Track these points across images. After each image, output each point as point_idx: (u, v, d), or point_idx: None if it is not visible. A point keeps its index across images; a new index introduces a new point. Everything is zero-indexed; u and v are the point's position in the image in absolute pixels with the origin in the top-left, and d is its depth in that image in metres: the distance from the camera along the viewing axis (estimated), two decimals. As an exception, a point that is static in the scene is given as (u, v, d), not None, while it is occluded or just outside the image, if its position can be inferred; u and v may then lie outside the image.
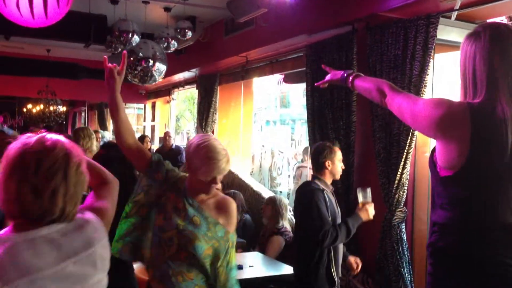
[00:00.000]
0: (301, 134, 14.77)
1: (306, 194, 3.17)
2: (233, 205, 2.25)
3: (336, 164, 3.24)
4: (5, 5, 3.27)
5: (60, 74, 9.04)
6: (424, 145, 3.85)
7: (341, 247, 3.26)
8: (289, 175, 9.62)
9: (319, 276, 3.10)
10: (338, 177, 3.30)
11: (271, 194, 5.63)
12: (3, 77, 8.96)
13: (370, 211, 3.17)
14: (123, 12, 5.39)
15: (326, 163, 3.20)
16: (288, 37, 4.94)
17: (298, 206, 3.28)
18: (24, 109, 13.14)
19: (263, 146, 10.10)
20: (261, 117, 14.21)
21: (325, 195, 3.15)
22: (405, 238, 3.73)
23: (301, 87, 10.46)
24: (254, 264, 3.90)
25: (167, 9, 5.76)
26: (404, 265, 3.69)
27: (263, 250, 4.51)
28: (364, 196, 3.18)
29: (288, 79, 6.66)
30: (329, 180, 3.24)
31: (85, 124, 14.25)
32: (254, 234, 5.35)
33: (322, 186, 3.19)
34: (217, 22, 6.34)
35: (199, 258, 2.09)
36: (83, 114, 15.86)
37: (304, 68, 4.82)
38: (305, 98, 4.91)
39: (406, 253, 3.71)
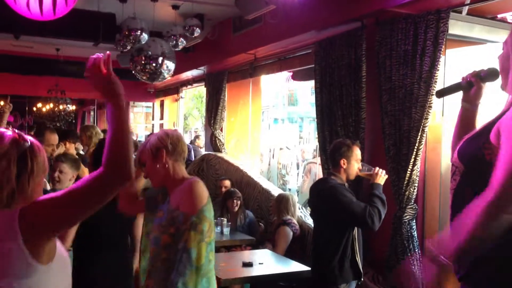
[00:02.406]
0: (309, 132, 14.78)
1: (328, 191, 3.11)
2: (195, 186, 2.12)
3: (352, 164, 3.19)
4: (15, 3, 3.32)
5: (69, 73, 9.06)
6: (435, 141, 3.82)
7: (361, 237, 3.24)
8: (297, 173, 9.60)
9: (345, 270, 3.07)
10: (352, 177, 3.25)
11: (280, 191, 5.61)
12: (13, 76, 9.02)
13: (380, 173, 3.16)
14: (132, 11, 5.40)
15: (341, 162, 3.16)
16: (296, 34, 4.92)
17: (321, 205, 3.21)
18: (34, 108, 13.24)
19: (271, 144, 10.08)
20: (269, 115, 14.23)
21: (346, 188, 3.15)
22: (416, 235, 3.70)
23: (309, 85, 10.48)
24: (264, 262, 3.89)
25: (175, 7, 5.76)
26: (414, 262, 3.66)
27: (273, 247, 4.50)
28: (367, 169, 3.21)
29: (296, 77, 6.64)
30: (343, 178, 3.20)
31: (94, 123, 14.33)
32: (263, 231, 5.34)
33: (339, 181, 3.17)
34: (225, 19, 6.33)
35: (159, 251, 2.11)
36: (92, 113, 15.95)
37: (313, 65, 4.80)
38: (313, 96, 4.89)
39: (417, 250, 3.68)
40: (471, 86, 1.87)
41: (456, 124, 1.91)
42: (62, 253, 1.53)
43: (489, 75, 1.81)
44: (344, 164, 3.17)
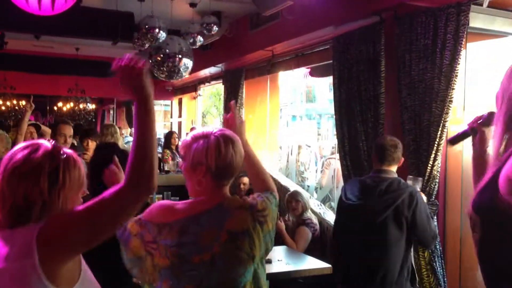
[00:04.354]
0: (327, 128, 14.69)
1: (414, 195, 2.95)
2: None
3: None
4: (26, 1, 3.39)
5: (89, 72, 9.18)
6: (455, 137, 3.76)
7: None
8: (316, 170, 9.56)
9: (406, 277, 3.00)
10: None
11: (299, 188, 5.59)
12: (34, 76, 9.17)
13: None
14: (150, 9, 5.43)
15: (401, 159, 3.13)
16: (314, 30, 4.89)
17: (403, 209, 2.93)
18: (55, 108, 13.43)
19: (290, 141, 10.06)
20: (287, 112, 14.19)
21: None
22: (437, 231, 3.65)
23: (327, 81, 10.42)
24: (283, 258, 3.89)
25: (192, 5, 5.78)
26: (436, 259, 3.62)
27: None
28: (414, 184, 3.15)
29: (314, 73, 6.60)
30: None
31: (113, 122, 14.48)
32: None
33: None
34: (243, 16, 6.33)
35: None
36: (111, 112, 16.12)
37: (331, 61, 4.77)
38: (331, 92, 4.86)
39: (438, 247, 3.63)
40: (475, 132, 1.90)
41: (472, 170, 1.89)
42: (87, 277, 1.43)
43: (488, 120, 1.83)
44: (401, 162, 3.13)
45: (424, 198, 3.16)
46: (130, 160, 1.33)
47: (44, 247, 1.25)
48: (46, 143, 1.40)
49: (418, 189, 3.14)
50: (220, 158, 1.72)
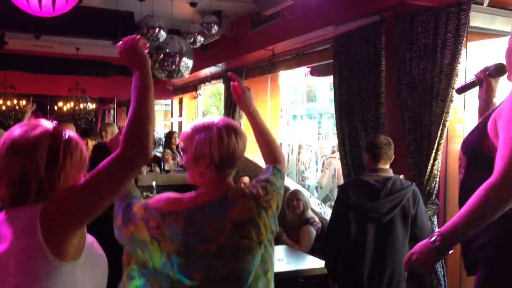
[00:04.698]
0: (328, 128, 14.68)
1: (416, 192, 3.01)
2: None
3: None
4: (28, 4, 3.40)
5: (89, 72, 9.18)
6: (456, 136, 3.76)
7: None
8: (316, 169, 9.57)
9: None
10: None
11: (300, 187, 5.59)
12: (34, 76, 9.16)
13: None
14: (150, 8, 5.43)
15: (393, 157, 3.14)
16: (314, 29, 4.88)
17: (409, 207, 2.99)
18: (55, 107, 13.43)
19: (290, 140, 10.06)
20: (288, 112, 14.18)
21: None
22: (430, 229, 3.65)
23: (327, 81, 10.41)
24: (283, 258, 3.89)
25: (193, 4, 5.77)
26: (436, 258, 3.61)
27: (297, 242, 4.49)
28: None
29: (315, 72, 6.60)
30: None
31: (114, 121, 14.48)
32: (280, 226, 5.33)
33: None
34: (243, 15, 6.33)
35: None
36: (112, 111, 16.12)
37: (331, 60, 4.77)
38: (331, 92, 4.86)
39: (438, 246, 3.63)
40: (482, 82, 1.92)
41: (478, 120, 1.92)
42: (93, 249, 1.45)
43: (497, 70, 1.86)
44: (392, 160, 3.15)
45: None
46: (126, 127, 1.37)
47: (47, 223, 1.27)
48: (47, 123, 1.41)
49: None
50: (223, 149, 1.70)
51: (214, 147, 1.70)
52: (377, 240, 2.99)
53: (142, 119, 1.37)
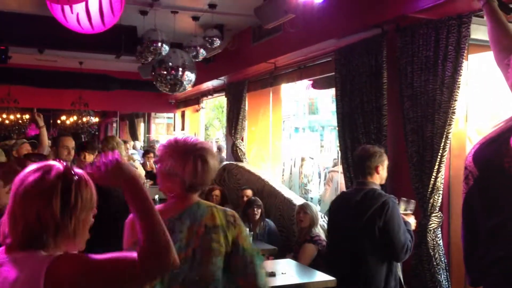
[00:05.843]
0: (330, 140, 14.69)
1: (386, 204, 2.94)
2: None
3: (385, 170, 3.15)
4: (66, 21, 3.42)
5: (92, 86, 9.22)
6: (459, 148, 3.75)
7: None
8: (319, 182, 9.55)
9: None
10: (383, 182, 3.18)
11: (302, 200, 5.57)
12: (37, 90, 9.20)
13: (410, 222, 3.10)
14: (153, 23, 5.47)
15: (379, 167, 3.09)
16: (316, 42, 4.91)
17: (375, 219, 2.94)
18: (58, 121, 13.48)
19: (293, 153, 10.05)
20: (290, 124, 14.21)
21: None
22: (441, 243, 3.63)
23: (329, 93, 10.44)
24: (287, 271, 3.86)
25: (195, 18, 5.82)
26: (441, 271, 3.59)
27: (296, 258, 4.46)
28: (405, 208, 3.14)
29: (316, 85, 6.62)
30: (378, 184, 3.12)
31: (116, 135, 14.51)
32: (285, 240, 5.30)
33: (380, 190, 3.08)
34: (245, 29, 6.37)
35: None
36: (114, 125, 16.17)
37: (333, 73, 4.78)
38: (333, 104, 4.86)
39: (443, 259, 3.60)
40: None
41: (491, 25, 1.80)
42: None
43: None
44: (381, 170, 3.10)
45: (413, 221, 3.16)
46: (141, 247, 1.30)
47: (49, 285, 1.24)
48: (58, 164, 1.39)
49: (410, 211, 3.14)
50: (196, 176, 1.85)
51: (188, 173, 1.84)
52: (346, 249, 3.10)
53: (156, 234, 1.32)
